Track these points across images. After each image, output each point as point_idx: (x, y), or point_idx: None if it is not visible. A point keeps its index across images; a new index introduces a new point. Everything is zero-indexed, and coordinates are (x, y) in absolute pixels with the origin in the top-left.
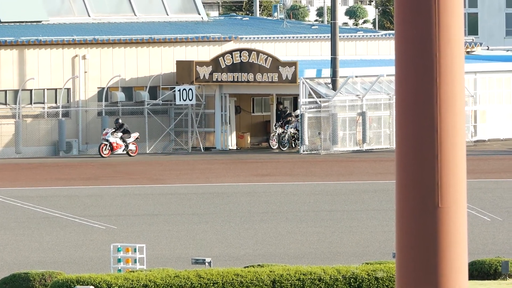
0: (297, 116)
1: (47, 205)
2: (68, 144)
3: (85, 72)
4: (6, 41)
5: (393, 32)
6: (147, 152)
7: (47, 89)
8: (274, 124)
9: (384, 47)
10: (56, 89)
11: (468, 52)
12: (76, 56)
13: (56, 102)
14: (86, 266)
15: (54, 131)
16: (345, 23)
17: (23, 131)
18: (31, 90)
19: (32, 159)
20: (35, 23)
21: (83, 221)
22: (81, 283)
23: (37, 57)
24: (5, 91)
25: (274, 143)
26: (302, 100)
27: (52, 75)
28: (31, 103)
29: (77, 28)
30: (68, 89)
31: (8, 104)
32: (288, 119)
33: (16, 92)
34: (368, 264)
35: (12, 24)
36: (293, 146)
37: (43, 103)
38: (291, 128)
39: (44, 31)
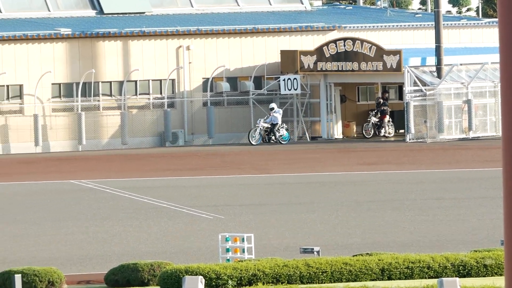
0: (381, 104)
1: (155, 195)
2: (174, 135)
3: (189, 62)
4: (110, 33)
5: (496, 20)
6: (253, 143)
7: (152, 80)
8: (368, 112)
9: (488, 35)
10: (160, 80)
11: None
12: (180, 47)
13: (161, 93)
14: (195, 256)
15: (160, 122)
16: (449, 11)
17: (128, 122)
18: (135, 81)
19: (138, 150)
20: (138, 14)
21: (190, 211)
22: (189, 273)
23: (141, 48)
24: (110, 82)
25: (368, 132)
26: (407, 88)
27: (157, 66)
28: (136, 94)
29: (180, 19)
30: (173, 80)
31: (114, 96)
32: (383, 108)
33: (121, 83)
34: (476, 251)
35: (116, 15)
36: (378, 134)
37: (148, 94)
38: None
39: (147, 22)
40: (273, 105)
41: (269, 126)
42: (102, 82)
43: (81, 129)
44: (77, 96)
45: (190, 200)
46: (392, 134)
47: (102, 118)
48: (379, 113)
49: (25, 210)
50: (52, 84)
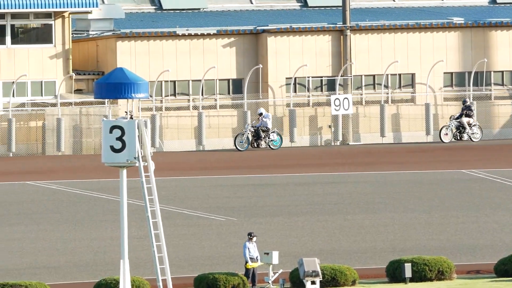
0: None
1: None
2: None
3: None
4: (503, 22)
5: None
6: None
7: None
8: (450, 116)
9: None
10: None
11: None
12: None
13: None
14: None
15: None
16: None
17: None
18: None
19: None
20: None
21: None
22: None
23: None
24: (502, 72)
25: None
26: None
27: None
28: None
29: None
30: None
31: (505, 85)
32: (465, 112)
33: None
34: None
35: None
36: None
37: None
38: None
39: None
40: (261, 110)
41: (254, 131)
42: (494, 71)
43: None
44: (468, 85)
45: None
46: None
47: (494, 108)
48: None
49: (417, 199)
50: (444, 73)
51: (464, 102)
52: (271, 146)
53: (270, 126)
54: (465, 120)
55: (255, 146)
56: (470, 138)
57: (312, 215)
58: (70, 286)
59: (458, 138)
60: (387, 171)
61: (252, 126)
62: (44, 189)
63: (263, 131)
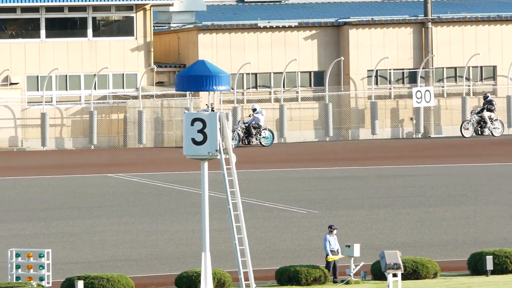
0: None
1: None
2: None
3: None
4: None
5: None
6: None
7: None
8: (471, 111)
9: None
10: None
11: None
12: None
13: None
14: None
15: None
16: None
17: None
18: None
19: None
20: None
21: None
22: None
23: None
24: None
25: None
26: None
27: None
28: None
29: None
30: None
31: None
32: (486, 106)
33: None
34: None
35: None
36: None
37: None
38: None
39: None
40: (255, 105)
41: (246, 128)
42: None
43: None
44: None
45: None
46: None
47: None
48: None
49: (499, 192)
50: None
51: (485, 97)
52: (262, 143)
53: (262, 123)
54: (486, 114)
55: (246, 143)
56: (492, 133)
57: (393, 207)
58: (152, 278)
59: (479, 133)
60: (469, 163)
61: (244, 123)
62: (125, 182)
63: (254, 128)
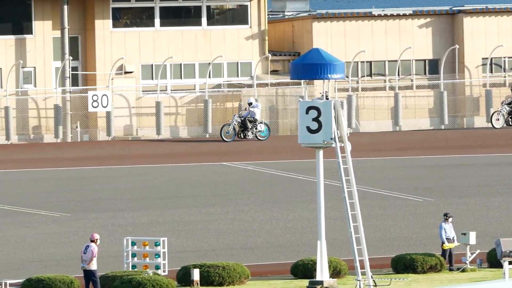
0: None
1: None
2: None
3: None
4: None
5: None
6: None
7: None
8: (502, 102)
9: None
10: None
11: None
12: None
13: None
14: None
15: None
16: None
17: None
18: None
19: None
20: None
21: None
22: None
23: None
24: None
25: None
26: None
27: None
28: None
29: None
30: None
31: None
32: None
33: None
34: None
35: None
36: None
37: None
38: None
39: None
40: (251, 99)
41: (241, 121)
42: None
43: None
44: None
45: None
46: None
47: None
48: None
49: None
50: None
51: None
52: (259, 137)
53: (258, 116)
54: None
55: (242, 137)
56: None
57: (509, 195)
58: (267, 266)
59: (510, 123)
60: None
61: (239, 117)
62: (240, 170)
63: (250, 121)
